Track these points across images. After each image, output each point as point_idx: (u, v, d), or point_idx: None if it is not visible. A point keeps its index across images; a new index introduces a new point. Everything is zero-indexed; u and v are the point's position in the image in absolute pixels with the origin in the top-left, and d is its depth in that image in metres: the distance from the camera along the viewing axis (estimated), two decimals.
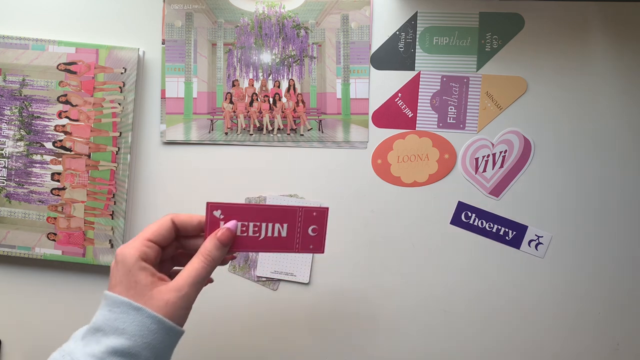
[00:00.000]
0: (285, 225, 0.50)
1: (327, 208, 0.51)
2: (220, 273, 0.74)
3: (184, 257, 0.53)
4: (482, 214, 0.72)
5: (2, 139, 0.72)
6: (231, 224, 0.50)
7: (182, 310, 0.47)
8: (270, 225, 0.50)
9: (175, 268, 0.54)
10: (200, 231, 0.51)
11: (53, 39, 0.71)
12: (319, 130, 0.73)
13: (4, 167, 0.72)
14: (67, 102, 0.72)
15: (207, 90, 0.73)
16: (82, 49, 0.71)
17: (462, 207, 0.73)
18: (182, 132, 0.73)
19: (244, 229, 0.50)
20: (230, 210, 0.49)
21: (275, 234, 0.51)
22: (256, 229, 0.50)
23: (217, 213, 0.49)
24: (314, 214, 0.50)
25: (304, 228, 0.50)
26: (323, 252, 0.52)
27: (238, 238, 0.49)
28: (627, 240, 0.72)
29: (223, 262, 0.52)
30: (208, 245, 0.49)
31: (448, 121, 0.72)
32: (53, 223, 0.72)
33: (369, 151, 0.73)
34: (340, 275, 0.73)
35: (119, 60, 0.71)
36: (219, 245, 0.49)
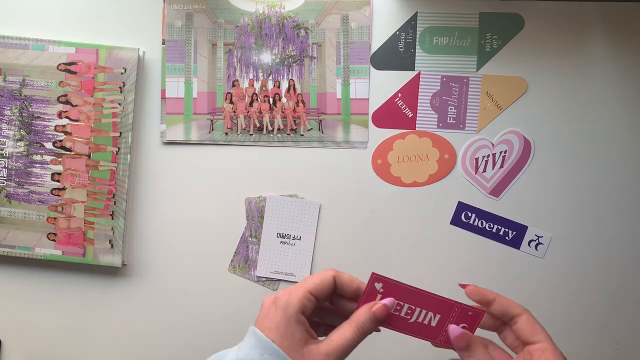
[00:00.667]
0: (437, 316, 0.50)
1: (484, 311, 0.50)
2: (220, 273, 0.74)
3: (329, 313, 0.52)
4: (482, 214, 0.72)
5: (2, 139, 0.72)
6: (389, 301, 0.49)
7: None
8: (424, 312, 0.50)
9: (315, 319, 0.51)
10: (356, 296, 0.50)
11: (53, 39, 0.71)
12: (319, 130, 0.73)
13: (4, 167, 0.72)
14: (67, 102, 0.72)
15: (207, 91, 0.73)
16: (82, 49, 0.71)
17: (462, 207, 0.73)
18: (182, 132, 0.73)
19: (398, 307, 0.50)
20: (392, 287, 0.49)
21: (426, 322, 0.50)
22: (409, 311, 0.50)
23: (378, 285, 0.49)
24: (469, 313, 0.50)
25: (454, 324, 0.50)
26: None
27: (389, 314, 0.49)
28: (627, 240, 0.72)
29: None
30: (363, 317, 0.48)
31: (448, 121, 0.72)
32: (53, 223, 0.72)
33: (369, 151, 0.73)
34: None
35: (119, 60, 0.71)
36: (374, 319, 0.48)
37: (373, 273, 0.48)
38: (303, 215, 0.72)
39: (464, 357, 0.48)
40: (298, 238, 0.73)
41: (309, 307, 0.47)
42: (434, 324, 0.50)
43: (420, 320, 0.50)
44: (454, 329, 0.48)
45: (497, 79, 0.72)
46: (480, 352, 0.49)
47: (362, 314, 0.48)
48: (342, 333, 0.47)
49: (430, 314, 0.50)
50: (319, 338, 0.48)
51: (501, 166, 0.72)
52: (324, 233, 0.73)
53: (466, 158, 0.72)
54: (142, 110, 0.73)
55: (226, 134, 0.73)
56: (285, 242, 0.73)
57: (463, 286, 0.49)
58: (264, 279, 0.74)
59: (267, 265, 0.73)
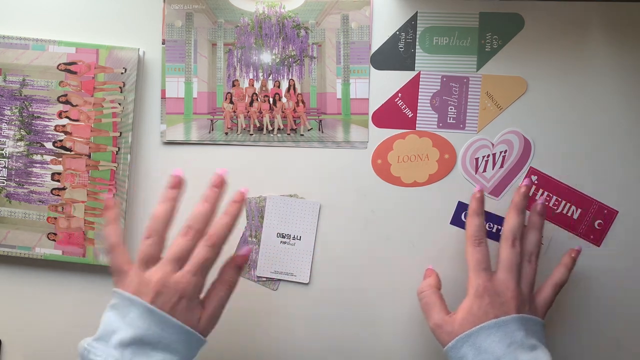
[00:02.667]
0: (579, 210, 0.67)
1: (617, 211, 0.68)
2: None
3: None
4: None
5: (2, 139, 0.72)
6: (246, 250, 0.64)
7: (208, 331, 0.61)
8: (568, 205, 0.66)
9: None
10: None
11: (53, 39, 0.71)
12: (319, 130, 0.73)
13: (4, 167, 0.72)
14: (67, 102, 0.72)
15: (207, 90, 0.73)
16: (82, 49, 0.71)
17: (462, 207, 0.73)
18: (182, 132, 0.73)
19: (548, 198, 0.65)
20: (545, 181, 0.62)
21: (569, 214, 0.68)
22: (557, 202, 0.65)
23: (534, 178, 0.66)
24: (605, 212, 0.63)
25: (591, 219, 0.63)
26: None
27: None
28: (627, 240, 0.72)
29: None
30: (226, 274, 0.62)
31: (448, 121, 0.72)
32: (53, 223, 0.72)
33: (369, 151, 0.73)
34: (340, 275, 0.73)
35: (119, 60, 0.71)
36: (237, 270, 0.63)
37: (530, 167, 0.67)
38: (303, 215, 0.72)
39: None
40: (298, 238, 0.73)
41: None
42: (575, 217, 0.67)
43: (564, 212, 0.67)
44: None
45: (497, 78, 0.72)
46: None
47: (226, 270, 0.62)
48: (217, 297, 0.61)
49: (573, 207, 0.65)
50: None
51: (501, 166, 0.72)
52: (324, 233, 0.73)
53: (466, 158, 0.72)
54: (142, 110, 0.73)
55: (226, 133, 0.73)
56: (285, 242, 0.73)
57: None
58: (264, 279, 0.74)
59: (267, 265, 0.73)
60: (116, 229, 0.62)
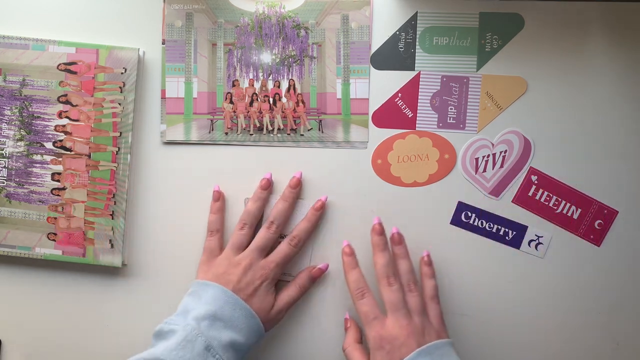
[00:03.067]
0: (579, 210, 0.66)
1: (617, 212, 0.67)
2: None
3: None
4: (482, 214, 0.72)
5: (2, 139, 0.72)
6: (324, 265, 0.72)
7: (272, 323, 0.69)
8: (568, 204, 0.66)
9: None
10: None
11: (53, 39, 0.71)
12: (319, 130, 0.73)
13: (4, 167, 0.72)
14: (67, 102, 0.72)
15: (207, 90, 0.73)
16: (82, 49, 0.71)
17: (462, 207, 0.73)
18: (182, 132, 0.73)
19: (548, 198, 0.63)
20: (545, 180, 0.61)
21: (569, 214, 0.67)
22: (557, 202, 0.63)
23: (534, 178, 0.64)
24: (605, 212, 0.62)
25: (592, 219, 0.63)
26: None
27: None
28: (627, 240, 0.72)
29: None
30: (302, 277, 0.71)
31: (448, 121, 0.72)
32: (53, 223, 0.72)
33: (369, 151, 0.73)
34: (340, 275, 0.73)
35: (119, 60, 0.71)
36: (312, 278, 0.72)
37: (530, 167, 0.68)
38: (302, 215, 0.72)
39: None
40: None
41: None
42: (575, 217, 0.66)
43: (564, 212, 0.68)
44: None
45: (497, 78, 0.72)
46: None
47: (303, 275, 0.71)
48: (288, 293, 0.69)
49: (573, 207, 0.64)
50: None
51: (501, 166, 0.72)
52: (323, 233, 0.73)
53: (466, 158, 0.72)
54: (142, 110, 0.73)
55: (226, 133, 0.73)
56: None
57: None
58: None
59: None
60: (220, 218, 0.71)
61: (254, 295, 0.64)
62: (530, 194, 0.72)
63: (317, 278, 0.71)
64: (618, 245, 0.72)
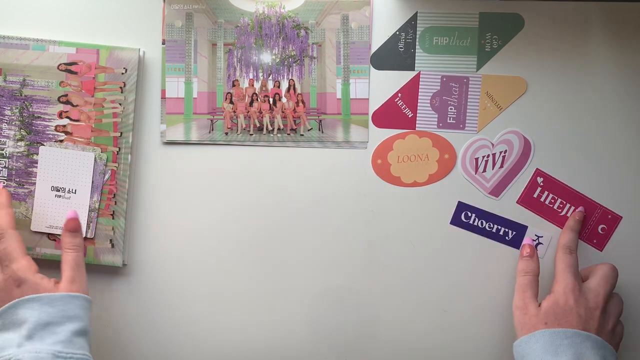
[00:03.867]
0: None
1: (621, 217, 0.69)
2: (221, 272, 0.74)
3: None
4: (482, 214, 0.72)
5: (2, 139, 0.72)
6: (71, 212, 0.67)
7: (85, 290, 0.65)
8: (572, 208, 0.69)
9: None
10: None
11: (53, 39, 0.71)
12: (319, 130, 0.73)
13: (5, 167, 0.72)
14: (67, 102, 0.72)
15: (207, 90, 0.73)
16: (83, 49, 0.71)
17: (462, 207, 0.73)
18: (182, 132, 0.73)
19: (553, 201, 0.66)
20: (551, 183, 0.65)
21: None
22: (562, 205, 0.65)
23: (539, 180, 0.67)
24: (609, 216, 0.64)
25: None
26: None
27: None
28: (630, 246, 0.72)
29: None
30: (64, 238, 0.67)
31: (448, 121, 0.72)
32: None
33: (369, 151, 0.73)
34: (340, 275, 0.73)
35: (119, 60, 0.71)
36: (67, 234, 0.66)
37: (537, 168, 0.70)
38: (77, 167, 0.71)
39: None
40: (73, 191, 0.71)
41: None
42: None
43: (569, 215, 0.69)
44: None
45: (497, 79, 0.72)
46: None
47: (63, 237, 0.67)
48: (64, 259, 0.67)
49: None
50: None
51: (501, 166, 0.72)
52: (323, 233, 0.73)
53: (466, 158, 0.72)
54: (142, 110, 0.73)
55: (226, 134, 0.73)
56: (60, 196, 0.72)
57: None
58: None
59: (42, 220, 0.72)
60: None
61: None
62: (535, 195, 0.72)
63: (75, 227, 0.67)
64: (620, 251, 0.72)
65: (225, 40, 0.73)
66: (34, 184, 0.72)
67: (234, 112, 0.73)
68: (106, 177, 0.72)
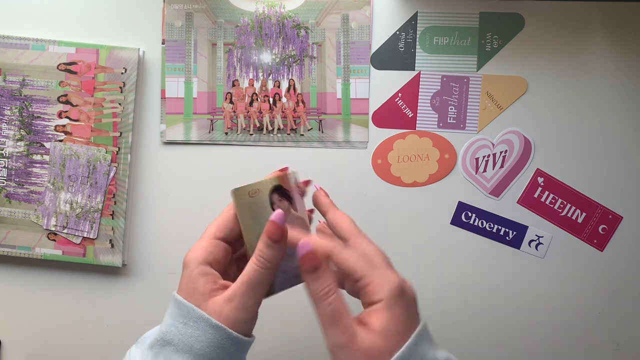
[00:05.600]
0: (583, 214, 0.63)
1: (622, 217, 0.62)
2: None
3: None
4: (482, 214, 0.72)
5: (2, 139, 0.72)
6: (276, 215, 0.42)
7: (240, 323, 0.42)
8: (573, 208, 0.63)
9: None
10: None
11: (53, 39, 0.71)
12: (319, 130, 0.73)
13: (4, 167, 0.72)
14: (67, 102, 0.72)
15: (207, 90, 0.73)
16: (83, 49, 0.71)
17: (462, 207, 0.73)
18: (182, 132, 0.73)
19: (553, 201, 0.59)
20: (552, 183, 0.62)
21: (573, 217, 0.64)
22: (562, 205, 0.60)
23: (540, 180, 0.62)
24: (609, 217, 0.60)
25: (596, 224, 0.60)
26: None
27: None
28: (630, 246, 0.72)
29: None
30: (258, 246, 0.42)
31: (448, 121, 0.72)
32: None
33: (369, 151, 0.73)
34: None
35: (119, 60, 0.71)
36: (268, 242, 0.42)
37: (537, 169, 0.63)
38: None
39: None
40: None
41: (217, 254, 0.44)
42: (580, 220, 0.63)
43: (569, 215, 0.64)
44: (303, 244, 0.41)
45: (497, 78, 0.71)
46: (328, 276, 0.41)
47: (259, 244, 0.42)
48: (245, 273, 0.42)
49: (578, 211, 0.62)
50: None
51: (501, 166, 0.72)
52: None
53: (466, 158, 0.72)
54: (142, 110, 0.73)
55: (226, 133, 0.73)
56: None
57: (307, 183, 0.48)
58: None
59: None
60: None
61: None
62: (535, 195, 0.71)
63: (275, 238, 0.42)
64: (621, 251, 0.72)
65: (225, 40, 0.73)
66: (34, 183, 0.72)
67: (234, 112, 0.73)
68: (110, 176, 0.72)
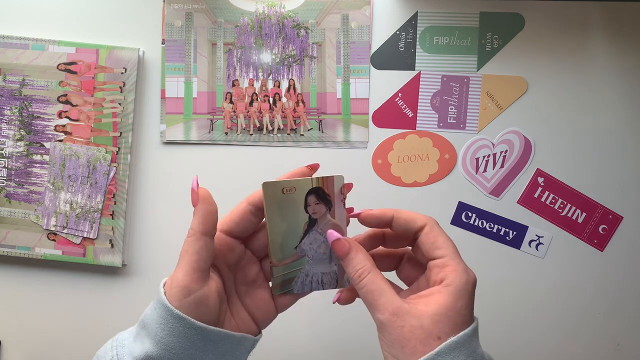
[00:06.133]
0: (583, 214, 0.63)
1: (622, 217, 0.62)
2: None
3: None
4: (482, 214, 0.72)
5: (2, 139, 0.72)
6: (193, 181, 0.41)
7: (182, 291, 0.40)
8: (573, 208, 0.63)
9: None
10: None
11: (53, 39, 0.71)
12: (319, 130, 0.73)
13: (4, 167, 0.72)
14: (67, 102, 0.72)
15: (207, 90, 0.73)
16: (82, 49, 0.71)
17: (462, 207, 0.73)
18: (182, 132, 0.73)
19: (554, 201, 0.60)
20: (551, 183, 0.59)
21: (573, 217, 0.65)
22: (562, 205, 0.59)
23: (540, 180, 0.62)
24: (610, 217, 0.60)
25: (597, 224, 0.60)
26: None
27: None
28: (630, 246, 0.72)
29: None
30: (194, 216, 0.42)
31: (448, 121, 0.72)
32: None
33: (369, 151, 0.73)
34: None
35: (119, 60, 0.71)
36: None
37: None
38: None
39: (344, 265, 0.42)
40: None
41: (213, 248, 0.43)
42: (580, 220, 0.62)
43: (569, 215, 0.64)
44: (331, 233, 0.43)
45: (497, 78, 0.71)
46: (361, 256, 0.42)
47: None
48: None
49: (578, 211, 0.61)
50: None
51: (502, 166, 0.72)
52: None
53: (466, 158, 0.72)
54: (142, 110, 0.73)
55: (226, 133, 0.73)
56: None
57: (356, 215, 0.45)
58: None
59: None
60: None
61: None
62: (535, 195, 0.71)
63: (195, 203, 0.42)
64: (621, 251, 0.72)
65: (225, 40, 0.73)
66: (34, 183, 0.72)
67: (234, 112, 0.73)
68: (110, 177, 0.71)
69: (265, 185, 0.42)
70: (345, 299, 0.46)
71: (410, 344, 0.38)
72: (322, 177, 0.43)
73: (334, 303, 0.46)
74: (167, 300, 0.40)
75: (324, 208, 0.43)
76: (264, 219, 0.43)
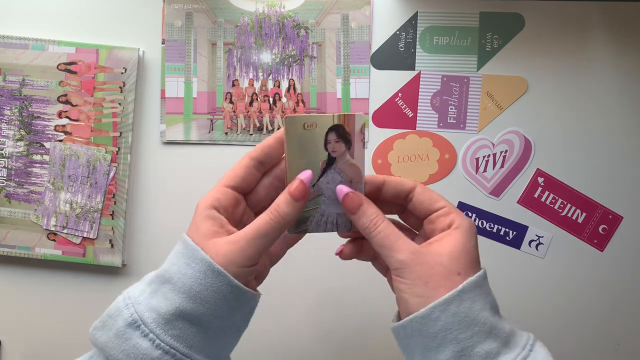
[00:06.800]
0: (584, 214, 0.63)
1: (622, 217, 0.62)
2: None
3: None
4: (482, 214, 0.72)
5: (2, 139, 0.72)
6: (305, 174, 0.42)
7: (238, 268, 0.41)
8: (573, 208, 0.62)
9: None
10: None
11: (53, 39, 0.71)
12: None
13: (4, 167, 0.72)
14: (67, 102, 0.72)
15: (207, 90, 0.73)
16: (82, 49, 0.71)
17: (462, 207, 0.73)
18: (182, 132, 0.73)
19: (554, 201, 0.59)
20: (552, 183, 0.60)
21: (573, 218, 0.65)
22: (562, 205, 0.59)
23: (540, 179, 0.60)
24: (610, 217, 0.59)
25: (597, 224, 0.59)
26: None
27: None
28: (630, 246, 0.72)
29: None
30: (278, 199, 0.42)
31: (448, 121, 0.72)
32: None
33: (369, 151, 0.73)
34: (340, 275, 0.73)
35: (119, 60, 0.71)
36: (288, 199, 0.42)
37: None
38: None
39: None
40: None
41: (222, 200, 0.45)
42: (580, 220, 0.61)
43: (569, 215, 0.63)
44: (341, 188, 0.43)
45: (497, 78, 0.71)
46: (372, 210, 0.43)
47: (279, 196, 0.43)
48: (255, 220, 0.43)
49: (578, 211, 0.61)
50: None
51: (502, 166, 0.72)
52: (323, 234, 0.73)
53: (466, 158, 0.72)
54: (142, 110, 0.73)
55: (226, 133, 0.73)
56: None
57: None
58: None
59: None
60: None
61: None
62: (535, 195, 0.71)
63: (298, 197, 0.42)
64: (621, 251, 0.72)
65: (225, 40, 0.73)
66: (34, 183, 0.72)
67: (234, 112, 0.73)
68: (110, 176, 0.71)
69: (288, 119, 0.42)
70: (348, 253, 0.48)
71: (434, 279, 0.39)
72: (344, 115, 0.42)
73: (336, 255, 0.48)
74: (208, 257, 0.41)
75: (344, 147, 0.43)
76: (283, 155, 0.43)
